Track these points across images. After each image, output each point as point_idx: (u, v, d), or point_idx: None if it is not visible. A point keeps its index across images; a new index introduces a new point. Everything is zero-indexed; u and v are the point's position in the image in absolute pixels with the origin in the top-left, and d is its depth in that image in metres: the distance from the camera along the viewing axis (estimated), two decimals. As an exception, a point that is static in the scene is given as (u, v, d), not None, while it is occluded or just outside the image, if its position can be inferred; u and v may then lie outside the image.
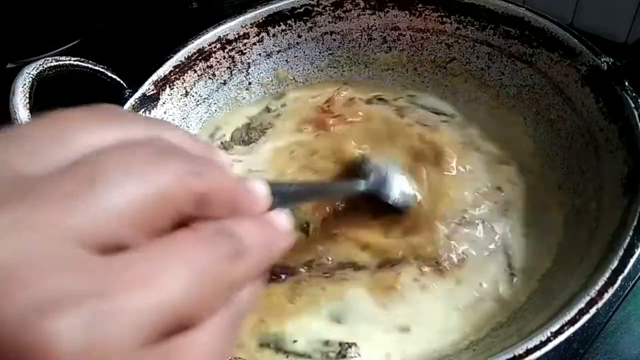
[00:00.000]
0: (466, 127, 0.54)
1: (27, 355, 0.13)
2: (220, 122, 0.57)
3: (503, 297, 0.42)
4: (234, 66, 0.58)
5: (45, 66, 0.46)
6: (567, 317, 0.32)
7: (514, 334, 0.36)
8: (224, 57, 0.57)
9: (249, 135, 0.55)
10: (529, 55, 0.53)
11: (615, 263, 0.35)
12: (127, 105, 0.49)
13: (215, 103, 0.58)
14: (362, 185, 0.43)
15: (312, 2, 0.58)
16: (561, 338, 0.32)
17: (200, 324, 0.16)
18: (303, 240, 0.45)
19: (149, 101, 0.51)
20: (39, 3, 0.70)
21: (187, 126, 0.56)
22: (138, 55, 0.60)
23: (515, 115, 0.54)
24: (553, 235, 0.45)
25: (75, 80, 0.49)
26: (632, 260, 0.35)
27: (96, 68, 0.50)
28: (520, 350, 0.32)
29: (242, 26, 0.57)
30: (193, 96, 0.56)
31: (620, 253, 0.35)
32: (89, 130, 0.17)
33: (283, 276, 0.43)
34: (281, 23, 0.58)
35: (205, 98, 0.57)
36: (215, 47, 0.56)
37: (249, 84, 0.60)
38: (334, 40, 0.60)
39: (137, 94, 0.50)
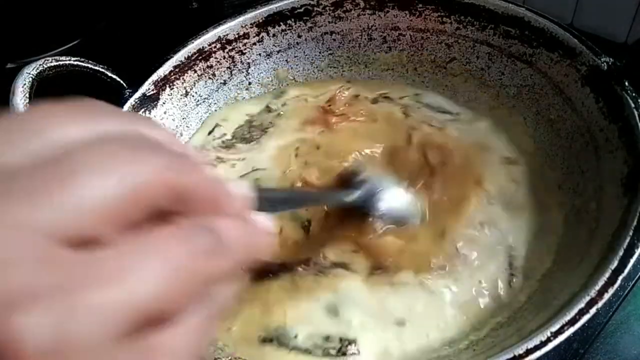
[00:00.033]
0: (473, 125, 0.54)
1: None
2: (218, 119, 0.57)
3: (503, 297, 0.42)
4: (234, 66, 0.58)
5: (45, 66, 0.46)
6: (567, 317, 0.32)
7: (514, 334, 0.36)
8: (224, 57, 0.57)
9: (250, 133, 0.55)
10: (529, 55, 0.53)
11: (615, 263, 0.35)
12: (127, 105, 0.49)
13: (215, 103, 0.58)
14: (350, 197, 0.42)
15: (312, 2, 0.58)
16: (561, 338, 0.32)
17: (175, 320, 0.16)
18: (303, 238, 0.45)
19: (149, 101, 0.51)
20: (39, 3, 0.70)
21: (187, 126, 0.56)
22: (138, 55, 0.60)
23: (515, 115, 0.54)
24: (553, 235, 0.45)
25: (75, 80, 0.49)
26: (632, 260, 0.35)
27: (96, 68, 0.50)
28: (520, 350, 0.32)
29: (242, 26, 0.57)
30: (193, 96, 0.56)
31: (620, 253, 0.35)
32: (66, 124, 0.17)
33: (279, 274, 0.43)
34: (281, 23, 0.58)
35: (205, 98, 0.57)
36: (215, 47, 0.56)
37: (249, 84, 0.60)
38: (334, 40, 0.60)
39: (137, 94, 0.50)
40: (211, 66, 0.56)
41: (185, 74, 0.54)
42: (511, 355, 0.32)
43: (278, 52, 0.59)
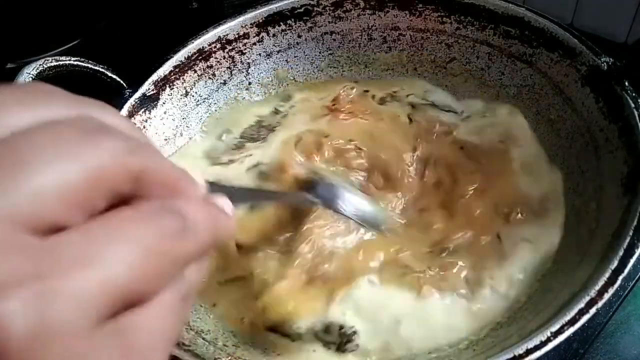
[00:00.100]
0: (477, 124, 0.54)
1: None
2: (228, 123, 0.57)
3: (503, 297, 0.42)
4: (234, 66, 0.58)
5: (45, 66, 0.46)
6: (567, 317, 0.32)
7: (514, 334, 0.36)
8: (224, 57, 0.57)
9: (259, 133, 0.55)
10: (529, 55, 0.53)
11: (615, 263, 0.35)
12: (127, 105, 0.49)
13: (215, 103, 0.58)
14: (310, 199, 0.43)
15: (312, 2, 0.58)
16: (561, 338, 0.32)
17: (150, 301, 0.16)
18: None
19: (149, 101, 0.51)
20: (39, 3, 0.70)
21: (187, 126, 0.56)
22: (138, 55, 0.60)
23: (515, 115, 0.54)
24: (553, 235, 0.45)
25: (75, 80, 0.49)
26: (632, 260, 0.35)
27: (96, 68, 0.50)
28: (520, 350, 0.32)
29: (242, 26, 0.57)
30: (193, 96, 0.56)
31: (620, 253, 0.35)
32: (16, 110, 0.16)
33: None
34: (281, 23, 0.58)
35: (205, 98, 0.57)
36: (215, 47, 0.56)
37: (249, 84, 0.60)
38: (334, 40, 0.60)
39: (137, 94, 0.50)
40: (211, 66, 0.56)
41: (185, 74, 0.54)
42: (511, 355, 0.32)
43: (278, 52, 0.59)
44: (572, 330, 0.32)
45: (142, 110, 0.51)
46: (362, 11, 0.58)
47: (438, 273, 0.42)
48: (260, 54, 0.59)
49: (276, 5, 0.57)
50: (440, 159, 0.50)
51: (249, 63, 0.59)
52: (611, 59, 0.46)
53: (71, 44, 0.67)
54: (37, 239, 0.14)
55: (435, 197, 0.48)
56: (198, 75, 0.55)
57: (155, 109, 0.52)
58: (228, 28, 0.56)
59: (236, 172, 0.51)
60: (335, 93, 0.57)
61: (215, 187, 0.22)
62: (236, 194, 0.26)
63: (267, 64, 0.60)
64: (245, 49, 0.58)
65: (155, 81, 0.52)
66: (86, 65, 0.49)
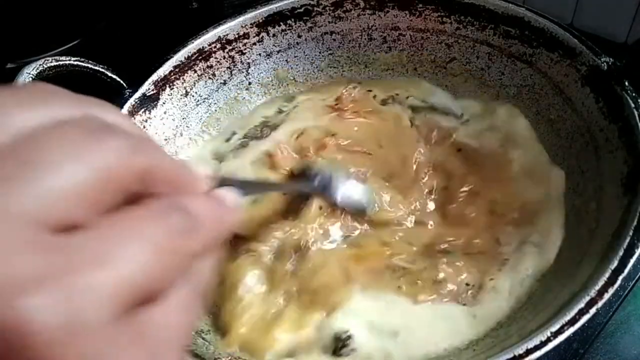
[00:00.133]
0: (476, 128, 0.54)
1: (7, 336, 0.13)
2: (236, 127, 0.57)
3: (504, 300, 0.42)
4: (234, 66, 0.58)
5: (45, 66, 0.46)
6: (567, 317, 0.32)
7: (514, 334, 0.36)
8: (224, 57, 0.57)
9: (262, 131, 0.55)
10: (529, 55, 0.53)
11: (615, 263, 0.35)
12: (127, 105, 0.49)
13: (215, 103, 0.58)
14: (307, 187, 0.45)
15: (312, 2, 0.57)
16: (561, 338, 0.32)
17: (164, 297, 0.17)
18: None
19: (149, 101, 0.51)
20: (39, 3, 0.70)
21: (187, 126, 0.56)
22: (138, 55, 0.60)
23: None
24: (553, 235, 0.45)
25: (75, 80, 0.49)
26: (632, 260, 0.35)
27: (96, 68, 0.50)
28: (520, 350, 0.32)
29: (242, 26, 0.57)
30: (193, 96, 0.56)
31: (620, 253, 0.35)
32: (21, 112, 0.17)
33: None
34: (281, 23, 0.58)
35: (205, 98, 0.57)
36: (215, 47, 0.56)
37: (249, 84, 0.60)
38: (334, 40, 0.60)
39: (137, 94, 0.50)
40: (211, 66, 0.56)
41: (185, 74, 0.54)
42: (511, 355, 0.32)
43: (278, 52, 0.59)
44: (572, 330, 0.32)
45: (142, 110, 0.51)
46: (362, 11, 0.58)
47: (436, 277, 0.42)
48: (260, 54, 0.59)
49: (276, 5, 0.57)
50: (439, 163, 0.50)
51: (249, 63, 0.59)
52: (611, 59, 0.46)
53: (71, 44, 0.67)
54: (53, 237, 0.15)
55: (434, 201, 0.48)
56: (198, 75, 0.55)
57: (155, 109, 0.52)
58: (228, 28, 0.56)
59: (240, 165, 0.51)
60: (338, 93, 0.57)
61: (219, 180, 0.22)
62: (240, 186, 0.26)
63: (267, 64, 0.60)
64: (245, 49, 0.58)
65: (155, 81, 0.52)
66: (86, 65, 0.49)
